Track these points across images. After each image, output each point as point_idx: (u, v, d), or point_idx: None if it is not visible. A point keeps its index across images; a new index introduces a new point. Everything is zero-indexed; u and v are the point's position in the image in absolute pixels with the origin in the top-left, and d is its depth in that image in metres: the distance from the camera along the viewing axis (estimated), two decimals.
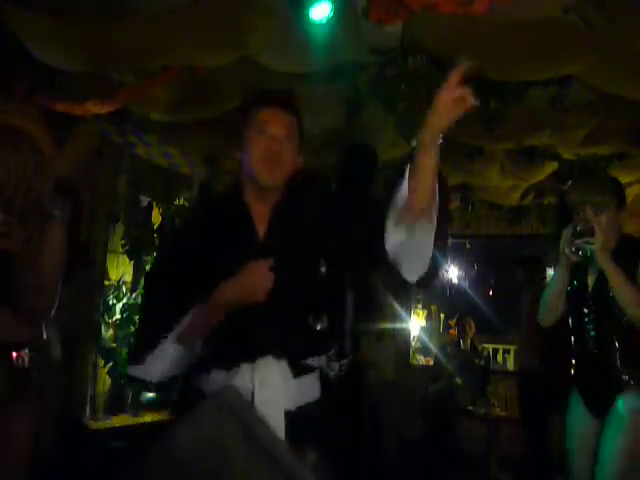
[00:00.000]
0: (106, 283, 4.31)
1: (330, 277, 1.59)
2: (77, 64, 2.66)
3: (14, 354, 1.79)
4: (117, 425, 3.87)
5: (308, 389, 1.58)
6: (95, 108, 3.05)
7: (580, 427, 2.31)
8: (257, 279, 1.48)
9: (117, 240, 4.40)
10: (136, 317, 4.39)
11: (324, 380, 1.62)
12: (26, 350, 1.80)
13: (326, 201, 1.88)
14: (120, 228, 4.41)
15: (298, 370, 1.56)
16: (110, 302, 4.28)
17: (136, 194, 4.54)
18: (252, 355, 1.53)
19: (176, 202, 4.93)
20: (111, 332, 4.31)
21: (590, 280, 2.32)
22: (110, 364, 4.21)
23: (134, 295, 4.49)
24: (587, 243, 2.20)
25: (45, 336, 1.88)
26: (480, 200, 5.41)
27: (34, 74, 2.83)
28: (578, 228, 2.23)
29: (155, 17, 2.26)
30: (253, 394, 1.50)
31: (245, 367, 1.52)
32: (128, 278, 4.51)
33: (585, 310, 2.31)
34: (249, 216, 1.61)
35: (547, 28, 2.28)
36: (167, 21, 2.28)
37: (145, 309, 1.77)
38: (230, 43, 2.46)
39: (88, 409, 4.11)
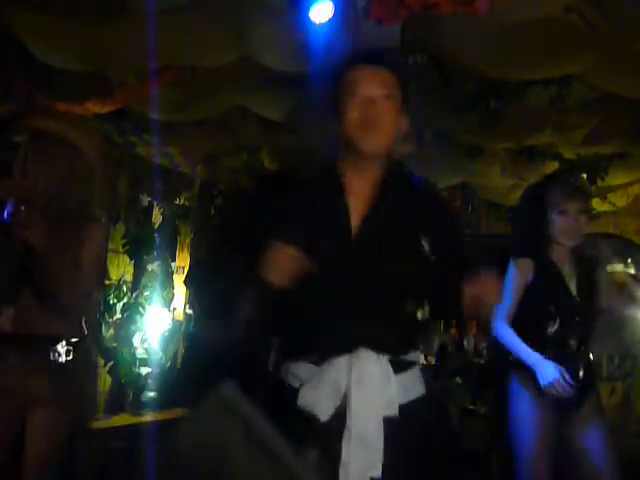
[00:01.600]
0: (107, 283, 4.32)
1: (430, 265, 1.40)
2: (77, 64, 2.66)
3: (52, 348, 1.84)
4: (117, 425, 3.88)
5: (411, 387, 1.40)
6: (95, 108, 3.05)
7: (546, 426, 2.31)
8: (278, 263, 1.28)
9: (118, 240, 4.40)
10: (136, 317, 4.40)
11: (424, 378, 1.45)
12: (63, 344, 1.84)
13: (428, 187, 1.66)
14: (121, 228, 4.41)
15: (399, 365, 1.36)
16: (111, 301, 4.28)
17: (136, 194, 4.55)
18: (348, 346, 1.33)
19: (176, 201, 4.94)
20: (112, 331, 4.31)
21: (572, 285, 2.35)
22: (111, 363, 4.21)
23: (134, 294, 4.50)
24: None
25: (86, 332, 1.93)
26: (480, 200, 5.40)
27: (34, 74, 2.83)
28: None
29: (155, 17, 2.25)
30: (347, 395, 1.30)
31: (340, 361, 1.33)
32: (128, 277, 4.52)
33: (561, 310, 2.32)
34: (341, 190, 1.42)
35: (547, 28, 2.28)
36: (167, 21, 2.27)
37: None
38: (230, 43, 2.46)
39: None
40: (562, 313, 2.33)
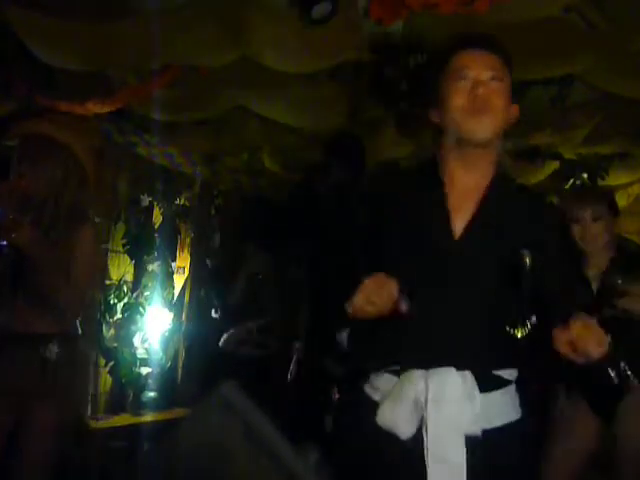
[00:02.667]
0: (107, 283, 4.31)
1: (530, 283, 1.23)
2: (77, 64, 2.66)
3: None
4: (118, 425, 3.88)
5: (500, 408, 1.27)
6: (96, 108, 3.05)
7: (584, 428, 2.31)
8: (373, 294, 1.19)
9: (118, 240, 4.40)
10: (136, 317, 4.40)
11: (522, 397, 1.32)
12: (54, 343, 1.85)
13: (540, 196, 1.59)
14: (121, 227, 4.41)
15: (487, 383, 1.24)
16: (111, 302, 4.28)
17: (137, 194, 4.55)
18: (425, 360, 1.24)
19: (177, 201, 4.94)
20: (112, 331, 4.31)
21: (594, 284, 2.33)
22: (111, 363, 4.21)
23: (135, 295, 4.50)
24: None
25: (80, 331, 1.94)
26: None
27: (34, 73, 2.83)
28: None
29: (155, 17, 2.26)
30: (424, 413, 1.21)
31: (417, 374, 1.24)
32: (129, 278, 4.52)
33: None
34: (443, 198, 1.32)
35: (547, 27, 2.28)
36: (167, 21, 2.27)
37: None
38: (230, 43, 2.46)
39: (89, 408, 4.11)
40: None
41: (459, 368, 1.23)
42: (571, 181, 4.16)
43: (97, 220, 1.99)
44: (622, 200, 4.84)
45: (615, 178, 4.18)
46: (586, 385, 2.23)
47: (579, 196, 2.54)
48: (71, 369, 1.92)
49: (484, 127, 1.31)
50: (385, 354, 1.32)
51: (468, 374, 1.23)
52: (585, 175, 4.08)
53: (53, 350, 1.86)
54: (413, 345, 1.27)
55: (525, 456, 1.31)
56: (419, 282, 1.26)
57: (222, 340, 3.97)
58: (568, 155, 3.97)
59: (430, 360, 1.24)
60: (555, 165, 4.11)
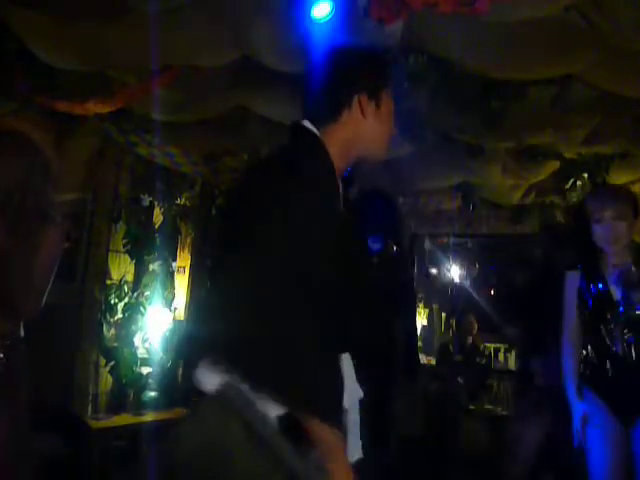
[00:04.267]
0: (108, 282, 4.32)
1: None
2: (78, 64, 2.66)
3: None
4: (119, 424, 3.88)
5: None
6: (96, 108, 3.05)
7: (613, 435, 2.30)
8: None
9: (118, 239, 4.40)
10: (137, 317, 4.41)
11: None
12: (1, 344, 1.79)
13: None
14: (121, 227, 4.41)
15: None
16: (112, 301, 4.29)
17: (137, 193, 4.55)
18: None
19: (177, 201, 4.94)
20: (113, 331, 4.32)
21: (613, 288, 2.35)
22: (112, 363, 4.21)
23: (135, 294, 4.50)
24: None
25: (22, 334, 1.88)
26: (481, 199, 5.40)
27: (35, 74, 2.83)
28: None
29: (155, 17, 2.26)
30: None
31: None
32: (130, 277, 4.52)
33: (608, 317, 2.33)
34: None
35: (548, 27, 2.28)
36: (167, 21, 2.28)
37: None
38: (230, 43, 2.46)
39: (90, 408, 4.12)
40: (605, 319, 2.35)
41: None
42: (571, 181, 4.16)
43: (59, 220, 1.91)
44: None
45: (616, 178, 4.18)
46: None
47: (602, 195, 2.51)
48: (17, 371, 1.85)
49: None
50: None
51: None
52: (585, 175, 4.08)
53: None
54: None
55: None
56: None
57: None
58: (569, 155, 3.97)
59: None
60: (556, 165, 4.11)
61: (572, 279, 2.47)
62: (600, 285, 2.39)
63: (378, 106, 1.44)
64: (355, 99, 1.40)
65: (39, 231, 1.83)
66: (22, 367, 1.88)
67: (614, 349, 2.30)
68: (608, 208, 2.36)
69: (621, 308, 2.31)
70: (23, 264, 1.77)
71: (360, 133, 1.41)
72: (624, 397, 2.28)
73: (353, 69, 1.42)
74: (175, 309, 4.99)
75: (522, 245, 6.00)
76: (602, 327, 2.35)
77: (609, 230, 2.35)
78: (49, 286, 1.88)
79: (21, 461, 1.83)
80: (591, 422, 2.34)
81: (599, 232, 2.38)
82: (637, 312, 2.27)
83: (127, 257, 4.47)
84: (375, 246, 2.83)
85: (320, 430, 1.13)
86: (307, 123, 1.38)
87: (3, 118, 1.92)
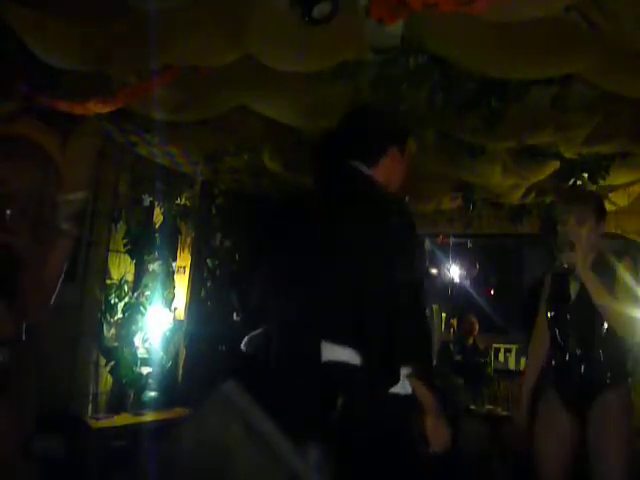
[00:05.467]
0: (108, 282, 4.32)
1: None
2: (78, 63, 2.66)
3: None
4: (119, 424, 3.89)
5: None
6: (96, 107, 3.05)
7: (557, 425, 2.41)
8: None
9: (119, 239, 4.41)
10: (137, 317, 4.41)
11: None
12: (6, 346, 1.80)
13: None
14: (122, 227, 4.42)
15: None
16: (112, 301, 4.29)
17: (137, 193, 4.55)
18: None
19: (177, 201, 4.95)
20: (113, 331, 4.32)
21: (573, 289, 2.44)
22: (112, 363, 4.22)
23: (135, 294, 4.50)
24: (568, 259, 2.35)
25: (23, 337, 1.90)
26: (481, 199, 5.40)
27: (35, 73, 2.83)
28: (560, 242, 2.39)
29: (155, 17, 2.26)
30: None
31: None
32: (130, 277, 4.52)
33: (568, 317, 2.44)
34: None
35: (548, 27, 2.28)
36: (167, 21, 2.27)
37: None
38: (230, 43, 2.46)
39: (90, 408, 4.12)
40: (562, 316, 2.46)
41: None
42: (571, 181, 4.16)
43: (74, 234, 1.92)
44: (623, 200, 4.85)
45: (616, 178, 4.18)
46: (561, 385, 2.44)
47: (564, 198, 2.61)
48: (21, 373, 1.86)
49: None
50: None
51: None
52: (585, 175, 4.08)
53: (5, 353, 1.80)
54: None
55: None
56: None
57: (243, 343, 3.96)
58: (569, 155, 3.97)
59: None
60: (556, 164, 4.11)
61: (546, 281, 2.62)
62: (560, 284, 2.50)
63: (402, 153, 1.95)
64: (390, 149, 1.93)
65: (52, 245, 1.85)
66: (23, 368, 1.88)
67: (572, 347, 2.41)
68: (572, 209, 2.41)
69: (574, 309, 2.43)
70: (32, 270, 1.79)
71: (389, 173, 1.92)
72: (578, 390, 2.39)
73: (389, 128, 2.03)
74: (175, 309, 4.99)
75: (522, 245, 6.01)
76: (561, 327, 2.48)
77: (572, 231, 2.38)
78: (57, 290, 1.91)
79: (22, 461, 1.83)
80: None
81: (563, 233, 2.41)
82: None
83: (127, 257, 4.47)
84: None
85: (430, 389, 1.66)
86: (361, 166, 1.86)
87: (10, 122, 1.93)
